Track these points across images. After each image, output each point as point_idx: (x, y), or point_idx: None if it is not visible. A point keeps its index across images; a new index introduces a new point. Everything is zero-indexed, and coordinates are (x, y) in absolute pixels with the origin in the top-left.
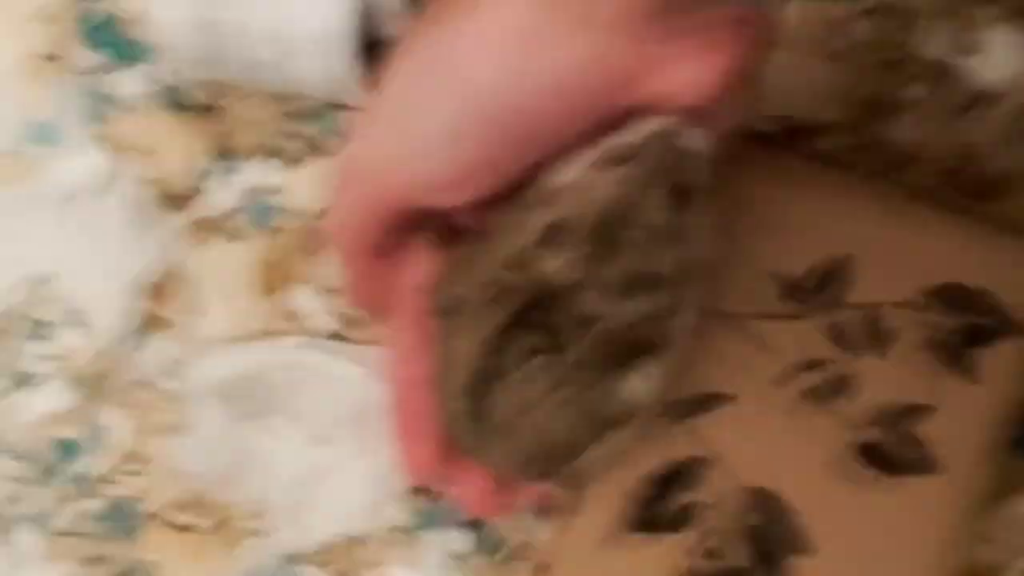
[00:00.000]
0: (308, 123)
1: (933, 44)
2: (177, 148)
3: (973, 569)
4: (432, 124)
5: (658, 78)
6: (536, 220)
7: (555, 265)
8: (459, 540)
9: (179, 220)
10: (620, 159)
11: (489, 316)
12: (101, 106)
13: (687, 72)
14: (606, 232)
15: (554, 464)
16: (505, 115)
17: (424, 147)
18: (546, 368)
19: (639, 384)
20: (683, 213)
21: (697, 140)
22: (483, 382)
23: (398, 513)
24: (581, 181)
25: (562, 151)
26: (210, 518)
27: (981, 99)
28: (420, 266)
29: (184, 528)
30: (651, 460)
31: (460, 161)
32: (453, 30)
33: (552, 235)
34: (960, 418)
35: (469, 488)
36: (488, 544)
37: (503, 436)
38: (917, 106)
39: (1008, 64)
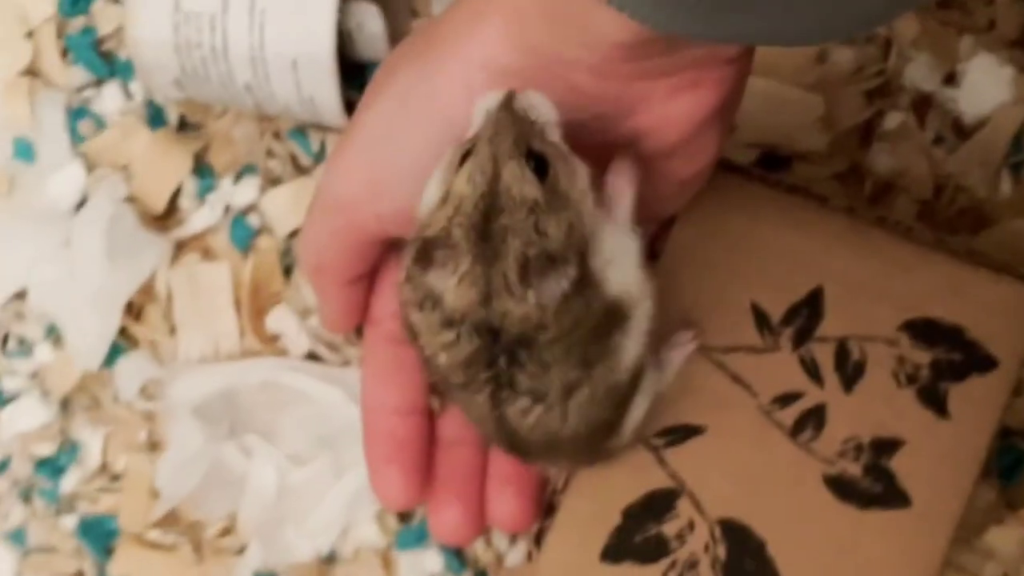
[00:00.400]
0: (288, 142)
1: (914, 74)
2: (155, 165)
3: None
4: (406, 158)
5: (640, 116)
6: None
7: (447, 286)
8: (434, 560)
9: (157, 238)
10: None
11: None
12: (80, 123)
13: (671, 109)
14: (483, 227)
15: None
16: None
17: (397, 181)
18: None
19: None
20: (550, 182)
21: (537, 102)
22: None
23: (373, 533)
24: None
25: None
26: (185, 536)
27: (960, 130)
28: (393, 294)
29: (159, 546)
30: (623, 490)
31: (433, 199)
32: (427, 64)
33: (426, 253)
34: (931, 453)
35: (440, 516)
36: (463, 564)
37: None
38: (896, 136)
39: (988, 95)
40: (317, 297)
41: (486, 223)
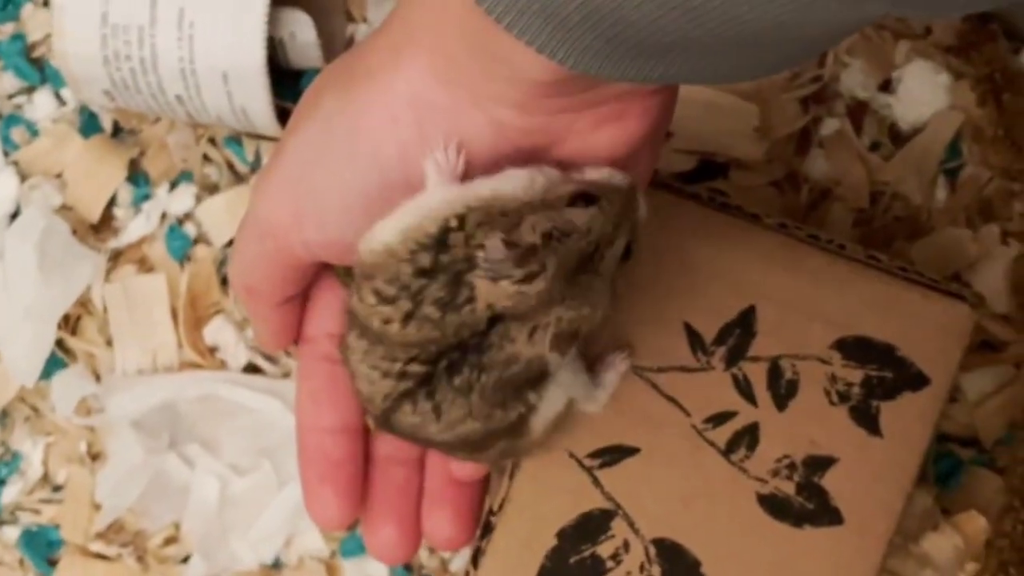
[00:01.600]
0: (224, 148)
1: (850, 80)
2: (90, 173)
3: None
4: (331, 193)
5: (566, 147)
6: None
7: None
8: (379, 567)
9: (91, 251)
10: (589, 197)
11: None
12: (12, 130)
13: (597, 140)
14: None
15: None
16: (403, 187)
17: (324, 211)
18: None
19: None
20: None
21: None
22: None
23: (317, 541)
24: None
25: None
26: (129, 546)
27: (896, 136)
28: (327, 313)
29: (102, 557)
30: (558, 512)
31: (360, 228)
32: (352, 96)
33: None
34: (864, 471)
35: (376, 535)
36: (408, 570)
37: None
38: (832, 142)
39: (924, 101)
40: (250, 317)
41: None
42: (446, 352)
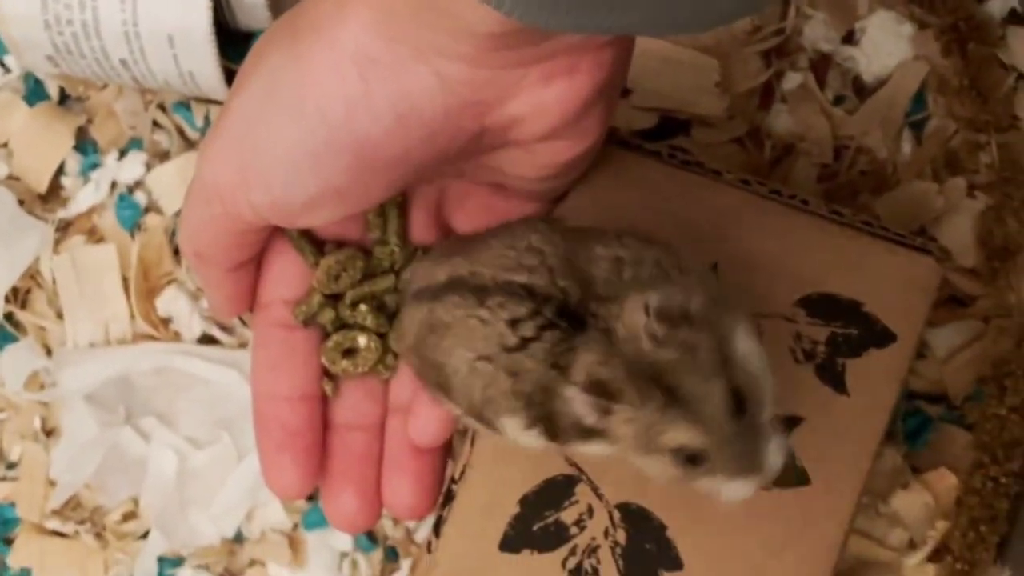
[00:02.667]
0: (174, 114)
1: (813, 33)
2: (36, 142)
3: (856, 567)
4: (277, 152)
5: (515, 102)
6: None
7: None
8: (341, 538)
9: (39, 222)
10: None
11: None
12: None
13: (546, 95)
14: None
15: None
16: (350, 144)
17: (270, 170)
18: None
19: None
20: None
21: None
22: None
23: (279, 513)
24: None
25: (421, 175)
26: (87, 523)
27: (861, 89)
28: (280, 279)
29: (58, 534)
30: (521, 479)
31: (308, 189)
32: (295, 53)
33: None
34: (830, 430)
35: (335, 503)
36: (373, 541)
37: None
38: (795, 97)
39: (888, 53)
40: (201, 284)
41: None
42: None
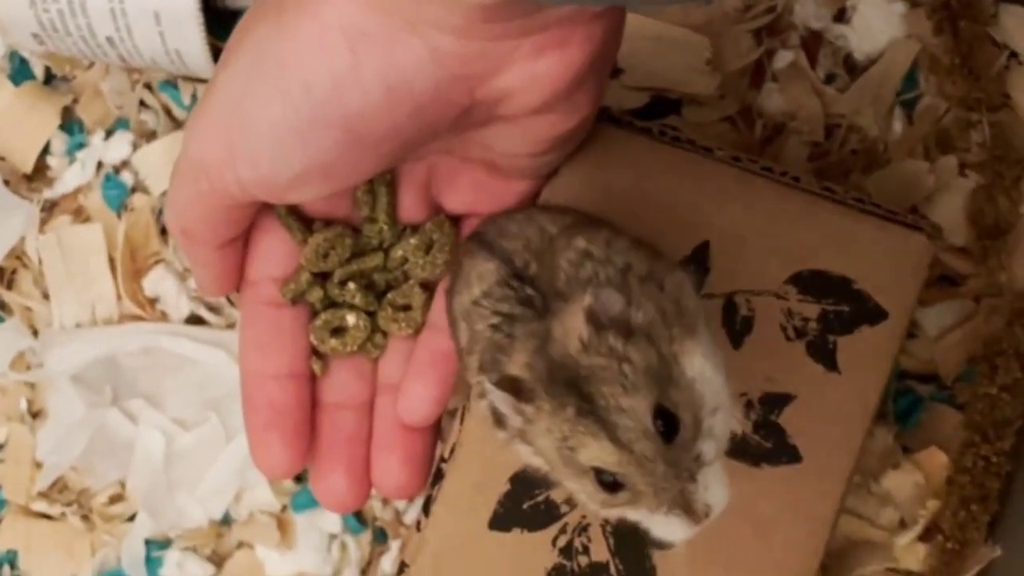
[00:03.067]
0: (160, 93)
1: (804, 11)
2: (21, 122)
3: (847, 547)
4: (264, 127)
5: (506, 75)
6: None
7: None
8: (330, 520)
9: (24, 201)
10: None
11: None
12: None
13: (538, 68)
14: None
15: None
16: (338, 119)
17: (256, 145)
18: None
19: None
20: None
21: None
22: None
23: (267, 495)
24: None
25: (410, 151)
26: (73, 505)
27: (852, 67)
28: (268, 256)
29: (45, 516)
30: (510, 457)
31: (295, 165)
32: (281, 25)
33: None
34: (821, 407)
35: (324, 483)
36: (361, 523)
37: None
38: (786, 75)
39: (879, 31)
40: (189, 262)
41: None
42: None
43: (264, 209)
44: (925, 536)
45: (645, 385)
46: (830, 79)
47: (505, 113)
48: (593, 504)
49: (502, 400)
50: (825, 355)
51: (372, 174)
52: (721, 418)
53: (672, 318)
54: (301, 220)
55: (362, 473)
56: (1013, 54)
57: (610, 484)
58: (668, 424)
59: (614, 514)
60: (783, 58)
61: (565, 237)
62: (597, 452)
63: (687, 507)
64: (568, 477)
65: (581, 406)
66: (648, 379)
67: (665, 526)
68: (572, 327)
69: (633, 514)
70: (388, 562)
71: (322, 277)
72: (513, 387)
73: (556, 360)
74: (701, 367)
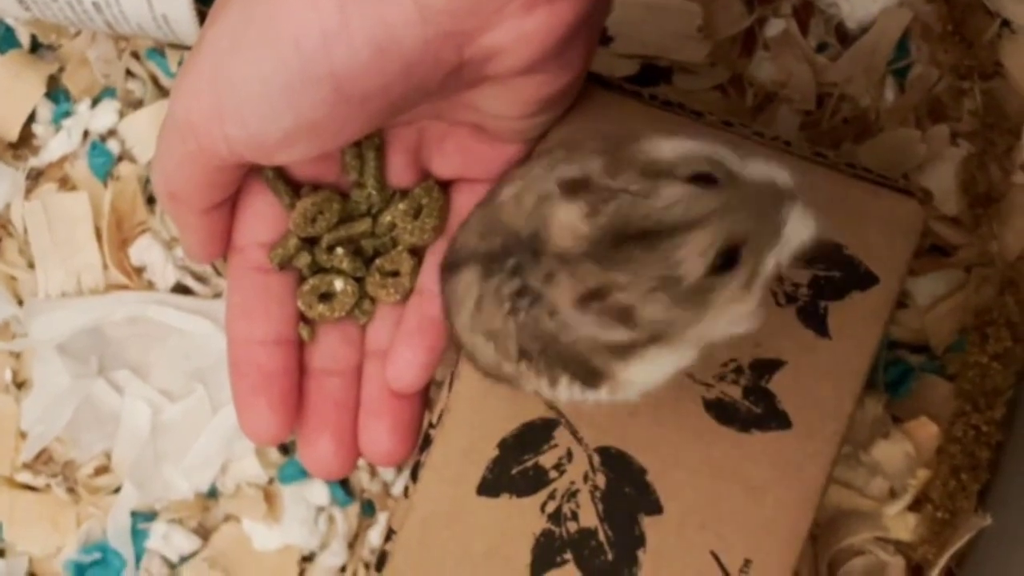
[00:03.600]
0: (147, 61)
1: None
2: (7, 90)
3: (836, 516)
4: (252, 84)
5: (495, 32)
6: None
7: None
8: (319, 492)
9: (10, 169)
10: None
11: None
12: None
13: (527, 25)
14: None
15: None
16: (326, 76)
17: (245, 103)
18: None
19: None
20: None
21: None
22: None
23: (254, 467)
24: None
25: (399, 111)
26: (58, 477)
27: (844, 36)
28: (256, 221)
29: (30, 488)
30: (499, 422)
31: (283, 123)
32: None
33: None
34: (812, 373)
35: (312, 448)
36: (349, 495)
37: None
38: (778, 43)
39: (870, 0)
40: (176, 226)
41: None
42: None
43: (252, 174)
44: (915, 506)
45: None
46: (822, 47)
47: (494, 72)
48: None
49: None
50: (816, 320)
51: (361, 134)
52: None
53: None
54: (289, 184)
55: (350, 439)
56: (1005, 22)
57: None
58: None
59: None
60: (774, 26)
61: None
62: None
63: None
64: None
65: None
66: None
67: None
68: (559, 220)
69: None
70: (376, 535)
71: (310, 242)
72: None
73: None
74: None
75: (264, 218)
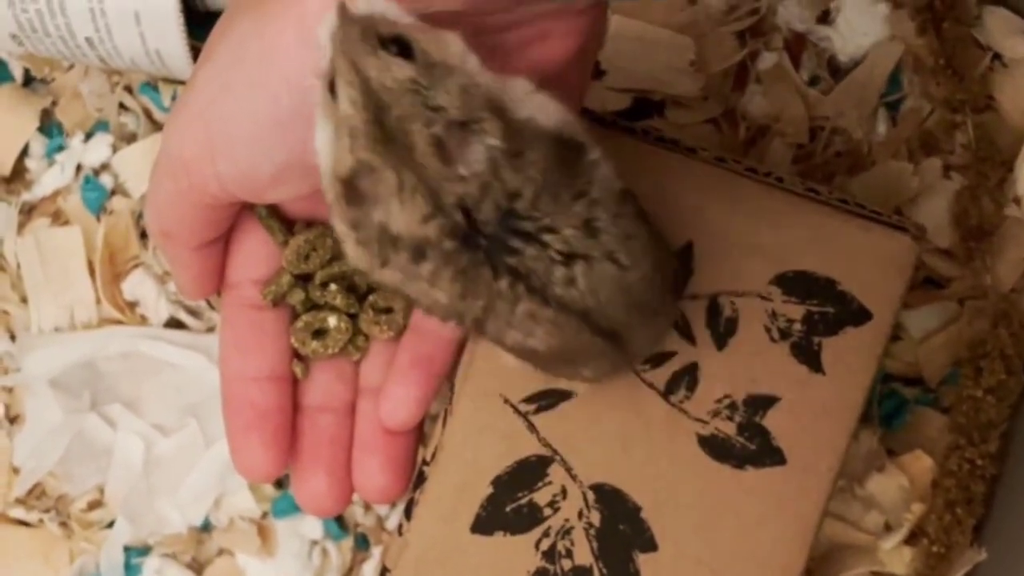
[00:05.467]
0: (140, 95)
1: (787, 12)
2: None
3: (832, 550)
4: (243, 122)
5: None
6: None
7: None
8: (311, 526)
9: (3, 202)
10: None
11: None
12: None
13: (519, 63)
14: (383, 134)
15: None
16: None
17: (237, 141)
18: None
19: None
20: (420, 57)
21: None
22: None
23: (248, 501)
24: None
25: None
26: (51, 512)
27: (836, 69)
28: (249, 258)
29: (22, 523)
30: (493, 460)
31: (275, 161)
32: (262, 19)
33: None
34: (806, 409)
35: (305, 485)
36: (343, 529)
37: None
38: (770, 77)
39: (863, 32)
40: (168, 263)
41: (383, 129)
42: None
43: (245, 211)
44: (910, 540)
45: None
46: (814, 81)
47: None
48: None
49: None
50: (810, 356)
51: None
52: None
53: None
54: (282, 222)
55: (343, 476)
56: (997, 55)
57: None
58: None
59: None
60: (767, 60)
61: None
62: None
63: None
64: None
65: None
66: None
67: None
68: None
69: None
70: (370, 569)
71: (303, 279)
72: None
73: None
74: None
75: (257, 255)
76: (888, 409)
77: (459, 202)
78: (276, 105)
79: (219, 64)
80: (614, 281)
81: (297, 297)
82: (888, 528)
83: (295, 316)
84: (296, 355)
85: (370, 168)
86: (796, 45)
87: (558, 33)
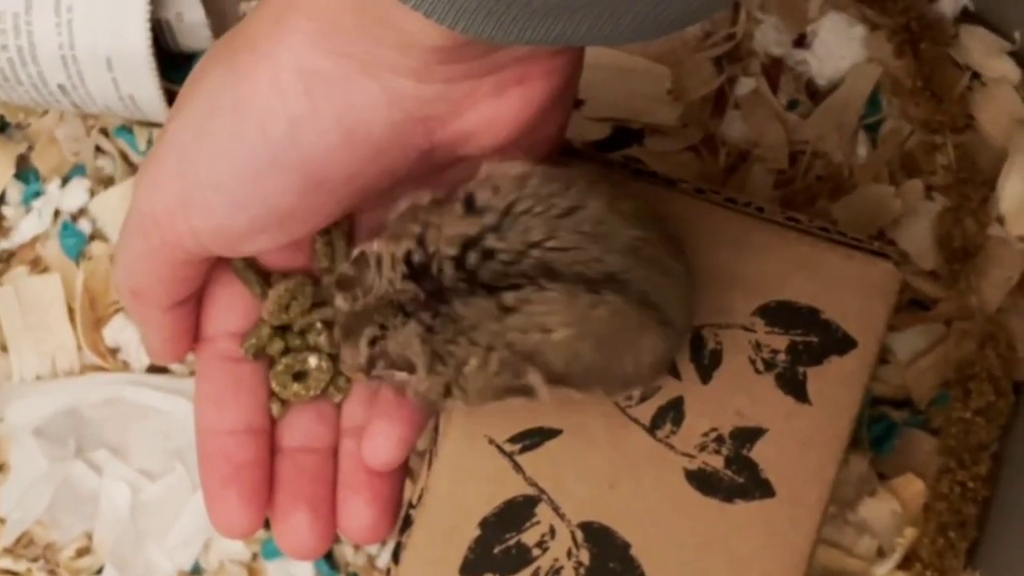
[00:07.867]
0: (116, 138)
1: (764, 37)
2: None
3: None
4: (219, 174)
5: (467, 116)
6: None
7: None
8: (302, 567)
9: None
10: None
11: None
12: None
13: (499, 107)
14: None
15: None
16: (295, 163)
17: (212, 193)
18: None
19: None
20: None
21: None
22: None
23: (237, 544)
24: None
25: (369, 196)
26: (38, 561)
27: (814, 93)
28: (225, 312)
29: (10, 572)
30: (480, 501)
31: (251, 212)
32: (235, 69)
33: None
34: (793, 440)
35: (286, 524)
36: (334, 568)
37: None
38: (749, 102)
39: (841, 55)
40: (138, 325)
41: None
42: None
43: (219, 264)
44: (904, 564)
45: None
46: (792, 105)
47: (466, 153)
48: None
49: None
50: (795, 387)
51: (330, 220)
52: None
53: None
54: (259, 273)
55: (326, 512)
56: (975, 75)
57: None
58: None
59: None
60: (745, 85)
61: None
62: None
63: None
64: None
65: None
66: None
67: None
68: None
69: None
70: None
71: (282, 329)
72: None
73: None
74: None
75: (233, 307)
76: (877, 432)
77: None
78: (253, 155)
79: (191, 117)
80: None
81: (276, 347)
82: (881, 553)
83: (272, 364)
84: (272, 393)
85: None
86: (774, 69)
87: (536, 75)
